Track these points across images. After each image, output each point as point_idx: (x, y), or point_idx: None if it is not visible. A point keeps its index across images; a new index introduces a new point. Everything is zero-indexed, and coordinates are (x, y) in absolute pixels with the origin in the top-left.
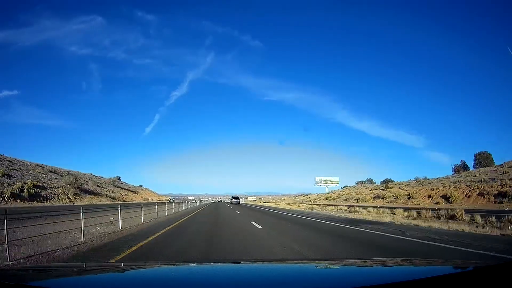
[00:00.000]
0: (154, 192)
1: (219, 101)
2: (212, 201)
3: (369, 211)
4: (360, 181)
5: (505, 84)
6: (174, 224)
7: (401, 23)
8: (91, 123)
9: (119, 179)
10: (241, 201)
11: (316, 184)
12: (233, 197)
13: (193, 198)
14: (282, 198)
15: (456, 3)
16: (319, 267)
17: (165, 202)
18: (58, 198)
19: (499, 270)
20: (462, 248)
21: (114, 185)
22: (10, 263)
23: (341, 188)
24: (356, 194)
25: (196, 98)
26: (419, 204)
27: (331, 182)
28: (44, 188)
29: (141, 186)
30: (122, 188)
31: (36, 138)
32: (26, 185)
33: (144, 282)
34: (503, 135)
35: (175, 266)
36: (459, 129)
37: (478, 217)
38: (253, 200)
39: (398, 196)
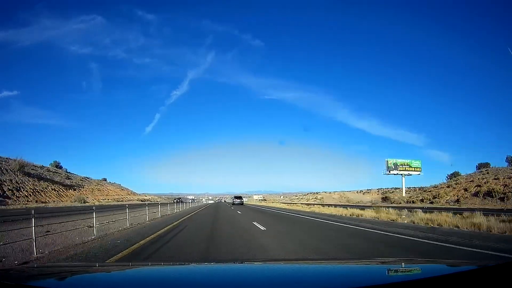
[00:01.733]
0: (126, 189)
1: (220, 100)
2: (212, 202)
3: None
4: (484, 163)
5: (505, 84)
6: None
7: (402, 22)
8: (91, 122)
9: (58, 166)
10: (244, 200)
11: (387, 172)
12: (236, 197)
13: (193, 197)
14: (319, 197)
15: (456, 2)
16: (319, 267)
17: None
18: None
19: (499, 270)
20: None
21: (24, 173)
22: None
23: (449, 177)
24: None
25: (197, 97)
26: None
27: (410, 168)
28: None
29: (105, 179)
30: (46, 180)
31: (36, 137)
32: None
33: (144, 282)
34: (503, 134)
35: (175, 266)
36: (459, 127)
37: None
38: (261, 200)
39: None
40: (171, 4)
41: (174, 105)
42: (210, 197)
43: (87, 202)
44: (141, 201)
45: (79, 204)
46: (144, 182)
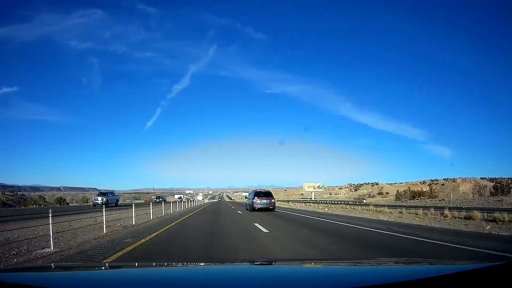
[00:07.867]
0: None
1: (222, 94)
2: (207, 201)
3: None
4: None
5: (506, 80)
6: None
7: (405, 18)
8: (92, 118)
9: None
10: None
11: None
12: (258, 193)
13: (192, 192)
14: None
15: (453, 1)
16: (319, 267)
17: None
18: None
19: (499, 270)
20: None
21: None
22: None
23: None
24: None
25: (198, 91)
26: None
27: None
28: None
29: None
30: None
31: (36, 134)
32: None
33: (145, 282)
34: (502, 130)
35: (174, 266)
36: (462, 123)
37: None
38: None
39: None
40: None
41: (176, 99)
42: (211, 191)
43: None
44: None
45: None
46: (145, 176)
